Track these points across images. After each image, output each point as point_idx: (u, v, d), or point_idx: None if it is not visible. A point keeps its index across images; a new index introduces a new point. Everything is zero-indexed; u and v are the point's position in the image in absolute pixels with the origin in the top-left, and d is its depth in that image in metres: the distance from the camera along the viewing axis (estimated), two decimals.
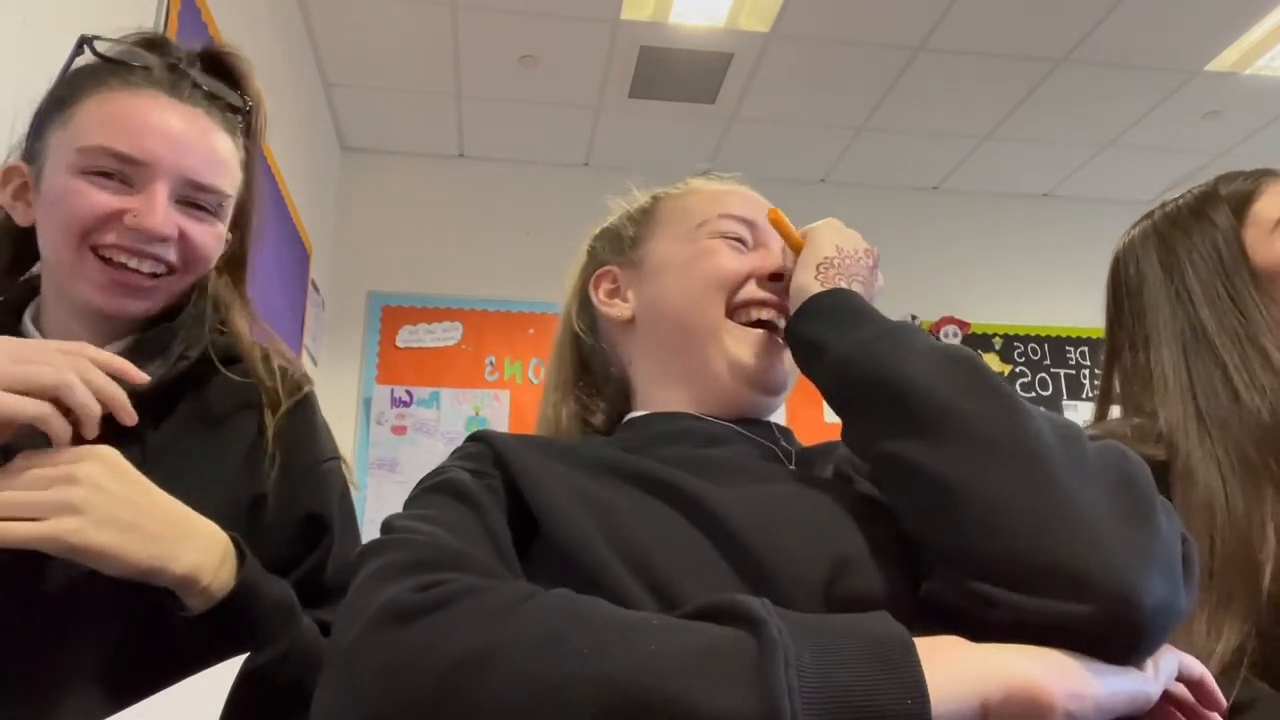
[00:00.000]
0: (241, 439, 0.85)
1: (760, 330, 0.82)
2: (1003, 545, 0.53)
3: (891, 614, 0.50)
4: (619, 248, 0.92)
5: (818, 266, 0.75)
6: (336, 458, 0.92)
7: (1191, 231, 1.03)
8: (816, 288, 0.74)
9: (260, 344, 0.91)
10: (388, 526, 0.63)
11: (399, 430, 3.63)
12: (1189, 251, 1.02)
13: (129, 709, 0.54)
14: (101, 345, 0.78)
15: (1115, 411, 1.08)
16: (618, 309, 0.88)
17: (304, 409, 0.90)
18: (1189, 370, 0.95)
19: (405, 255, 3.82)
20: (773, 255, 0.83)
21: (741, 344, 0.81)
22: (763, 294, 0.82)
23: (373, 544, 0.60)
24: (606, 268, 0.91)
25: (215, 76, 0.88)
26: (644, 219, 0.91)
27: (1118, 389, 1.07)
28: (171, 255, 0.83)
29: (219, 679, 0.50)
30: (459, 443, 0.75)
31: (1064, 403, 4.10)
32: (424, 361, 3.73)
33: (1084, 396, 4.13)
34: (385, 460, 3.59)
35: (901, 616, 0.50)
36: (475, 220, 3.92)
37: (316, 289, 3.44)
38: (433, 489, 0.68)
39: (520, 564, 0.64)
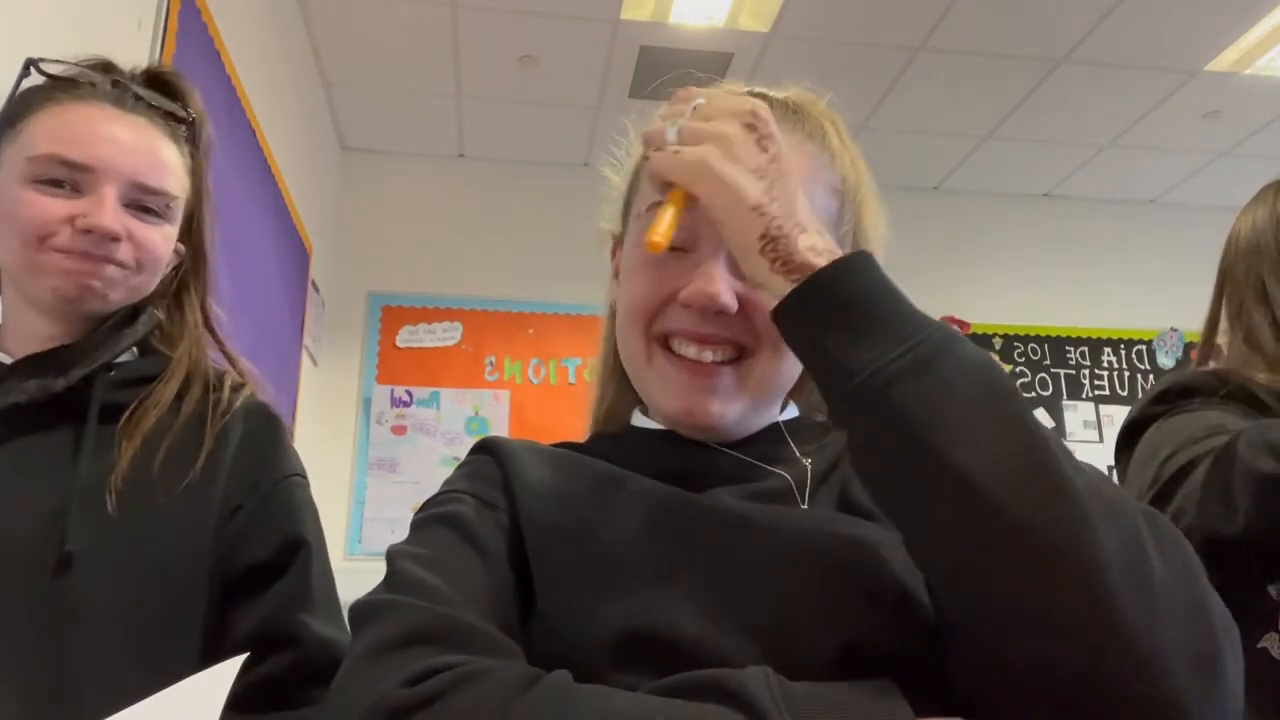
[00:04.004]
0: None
1: (684, 361, 0.63)
2: (1056, 677, 0.46)
3: (902, 682, 0.48)
4: (622, 208, 0.73)
5: (761, 239, 0.53)
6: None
7: None
8: (813, 260, 0.53)
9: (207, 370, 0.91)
10: (390, 562, 0.60)
11: (399, 430, 3.63)
12: None
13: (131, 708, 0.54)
14: (69, 339, 0.85)
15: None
16: (610, 294, 0.73)
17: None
18: None
19: (405, 255, 3.82)
20: (701, 275, 0.61)
21: (663, 380, 0.64)
22: (683, 325, 0.63)
23: (367, 607, 0.57)
24: (615, 237, 0.75)
25: (158, 92, 0.92)
26: (637, 168, 0.72)
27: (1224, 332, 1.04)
28: (124, 255, 0.86)
29: (218, 681, 0.50)
30: (459, 443, 0.73)
31: (1064, 402, 4.11)
32: (424, 361, 3.73)
33: (1084, 396, 4.13)
34: (385, 460, 3.59)
35: (912, 684, 0.48)
36: (475, 220, 3.91)
37: (316, 289, 3.44)
38: (440, 520, 0.63)
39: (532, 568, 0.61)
